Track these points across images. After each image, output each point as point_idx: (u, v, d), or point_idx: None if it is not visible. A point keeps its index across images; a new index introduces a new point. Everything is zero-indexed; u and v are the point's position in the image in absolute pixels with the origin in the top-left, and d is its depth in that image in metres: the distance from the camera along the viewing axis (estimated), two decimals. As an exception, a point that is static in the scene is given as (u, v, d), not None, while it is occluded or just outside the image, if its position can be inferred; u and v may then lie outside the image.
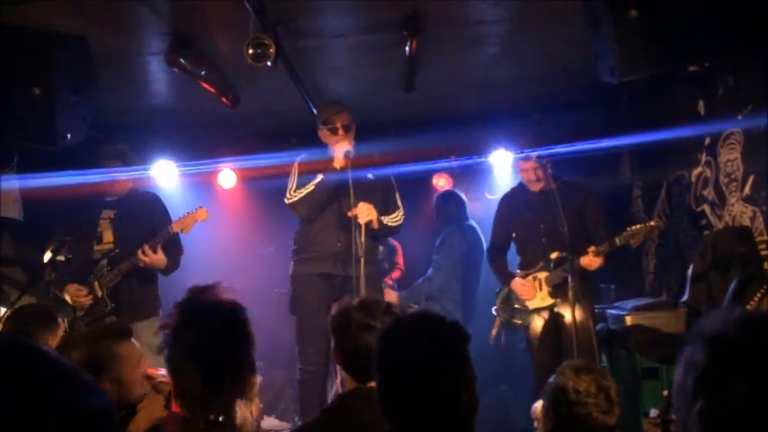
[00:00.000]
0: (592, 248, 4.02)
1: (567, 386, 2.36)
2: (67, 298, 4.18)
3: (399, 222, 4.26)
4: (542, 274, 4.31)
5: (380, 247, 5.91)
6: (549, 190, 4.12)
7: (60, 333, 3.25)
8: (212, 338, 1.89)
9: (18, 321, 3.30)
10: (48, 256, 4.06)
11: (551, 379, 2.48)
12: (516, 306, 4.45)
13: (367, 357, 2.25)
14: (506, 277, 4.50)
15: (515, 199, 4.57)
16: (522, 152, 4.41)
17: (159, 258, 4.15)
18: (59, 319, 3.43)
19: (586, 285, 4.17)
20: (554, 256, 4.24)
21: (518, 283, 4.38)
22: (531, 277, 4.36)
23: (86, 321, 4.14)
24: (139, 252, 4.08)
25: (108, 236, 4.27)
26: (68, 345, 2.40)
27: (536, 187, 4.37)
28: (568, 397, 2.34)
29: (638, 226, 4.02)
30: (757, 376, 0.88)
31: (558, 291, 4.23)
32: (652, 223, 4.08)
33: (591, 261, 4.02)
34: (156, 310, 4.34)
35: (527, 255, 4.47)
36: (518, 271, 4.49)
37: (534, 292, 4.33)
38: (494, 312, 4.67)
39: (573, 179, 4.44)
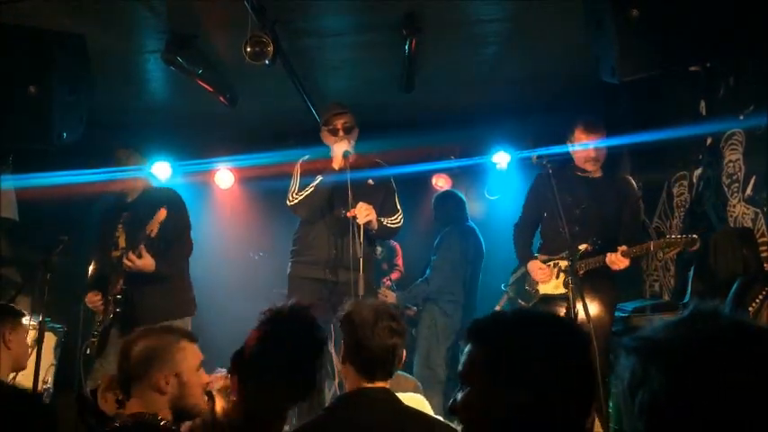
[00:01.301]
0: (622, 248, 3.84)
1: None
2: (87, 303, 4.15)
3: (399, 225, 4.24)
4: (564, 263, 4.03)
5: (379, 248, 5.91)
6: (599, 178, 4.04)
7: (23, 332, 3.20)
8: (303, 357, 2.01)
9: None
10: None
11: None
12: (527, 288, 4.31)
13: (387, 358, 2.26)
14: (527, 257, 4.29)
15: (555, 179, 4.09)
16: (592, 130, 4.12)
17: (144, 263, 4.01)
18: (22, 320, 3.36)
19: (609, 283, 4.04)
20: (582, 247, 4.03)
21: (535, 265, 4.18)
22: (551, 263, 4.18)
23: (102, 326, 4.11)
24: (125, 258, 4.04)
25: (122, 241, 4.22)
26: (135, 337, 2.33)
27: (591, 167, 4.14)
28: None
29: (678, 236, 3.85)
30: (668, 363, 0.99)
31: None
32: (695, 236, 3.82)
33: (616, 260, 3.85)
34: (178, 312, 4.23)
35: (553, 240, 4.20)
36: (539, 254, 4.28)
37: (550, 277, 4.16)
38: (503, 288, 4.59)
39: (619, 173, 4.32)
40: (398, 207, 4.27)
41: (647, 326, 1.12)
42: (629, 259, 3.88)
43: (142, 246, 3.99)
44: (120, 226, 4.24)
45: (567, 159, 4.26)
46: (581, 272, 3.95)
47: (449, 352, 5.17)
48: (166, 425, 2.15)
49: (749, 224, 3.87)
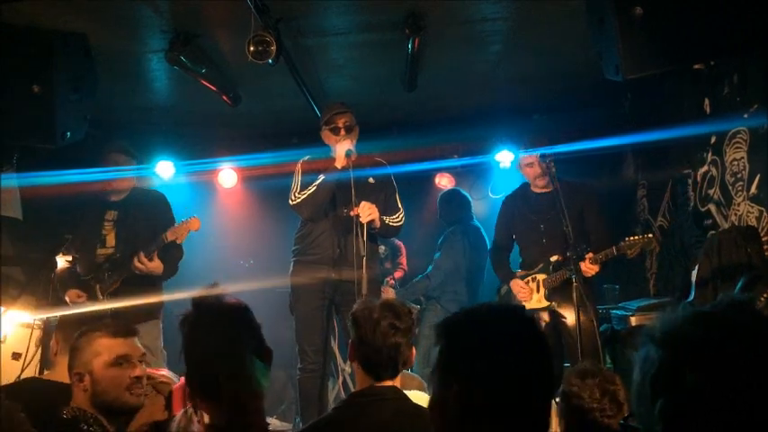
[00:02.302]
0: (590, 255, 4.04)
1: (572, 392, 2.33)
2: (67, 300, 4.15)
3: (400, 223, 4.27)
4: (541, 276, 4.36)
5: (383, 247, 5.91)
6: (552, 191, 4.13)
7: None
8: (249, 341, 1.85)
9: None
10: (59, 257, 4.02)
11: (561, 386, 2.45)
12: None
13: (390, 356, 2.25)
14: (507, 276, 4.55)
15: (517, 200, 4.62)
16: (527, 149, 4.41)
17: (155, 266, 4.12)
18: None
19: (588, 287, 4.16)
20: (554, 258, 4.29)
21: (516, 284, 4.43)
22: (529, 278, 4.41)
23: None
24: (135, 260, 4.05)
25: (111, 239, 4.25)
26: (76, 336, 2.38)
27: (541, 183, 4.38)
28: (572, 403, 2.31)
29: (636, 237, 4.05)
30: (705, 368, 0.89)
31: (554, 293, 4.29)
32: (650, 235, 4.10)
33: (588, 268, 4.05)
34: (157, 313, 4.31)
35: (528, 255, 4.51)
36: (518, 271, 4.53)
37: (531, 294, 4.38)
38: None
39: (575, 181, 4.42)
40: (399, 206, 4.29)
41: (667, 314, 1.00)
42: (599, 265, 4.07)
43: (156, 251, 4.04)
44: (108, 224, 4.25)
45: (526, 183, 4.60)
46: (557, 282, 4.23)
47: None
48: (72, 417, 2.15)
49: (753, 222, 3.86)
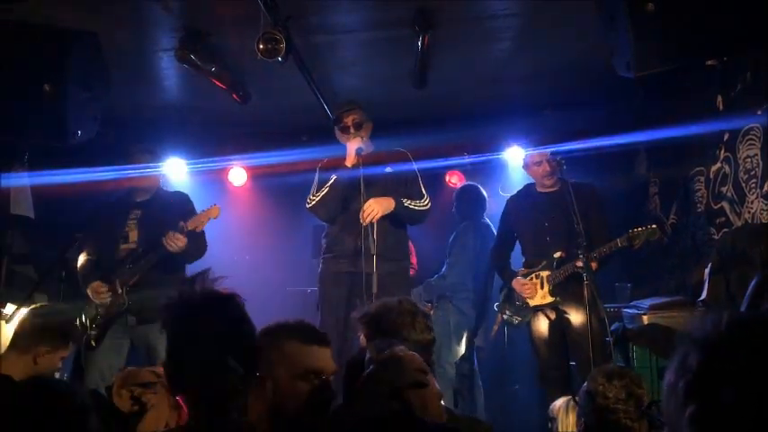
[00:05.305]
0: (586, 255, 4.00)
1: (597, 391, 2.31)
2: (90, 294, 4.17)
3: (425, 207, 4.22)
4: (544, 273, 4.36)
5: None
6: (559, 190, 4.11)
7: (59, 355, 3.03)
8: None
9: None
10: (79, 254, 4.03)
11: (584, 384, 2.44)
12: (518, 303, 4.49)
13: (425, 353, 2.24)
14: (508, 276, 4.56)
15: (521, 200, 4.63)
16: (536, 146, 4.41)
17: (185, 242, 4.11)
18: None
19: (594, 286, 4.14)
20: (557, 255, 4.29)
21: (519, 283, 4.43)
22: (533, 275, 4.40)
23: (104, 318, 4.14)
24: (165, 239, 4.05)
25: (133, 235, 4.27)
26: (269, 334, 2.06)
27: (549, 182, 4.38)
28: (596, 402, 2.30)
29: (640, 228, 4.04)
30: (747, 382, 0.86)
31: (558, 289, 4.28)
32: (653, 226, 4.09)
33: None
34: None
35: (531, 254, 4.51)
36: (521, 269, 4.53)
37: (535, 291, 4.37)
38: (495, 309, 4.70)
39: (580, 181, 4.41)
40: (424, 192, 4.25)
41: (713, 317, 0.94)
42: (597, 262, 4.09)
43: (183, 230, 4.08)
44: (131, 222, 4.28)
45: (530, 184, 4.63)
46: (561, 278, 4.24)
47: (461, 349, 5.16)
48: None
49: (767, 220, 3.82)
